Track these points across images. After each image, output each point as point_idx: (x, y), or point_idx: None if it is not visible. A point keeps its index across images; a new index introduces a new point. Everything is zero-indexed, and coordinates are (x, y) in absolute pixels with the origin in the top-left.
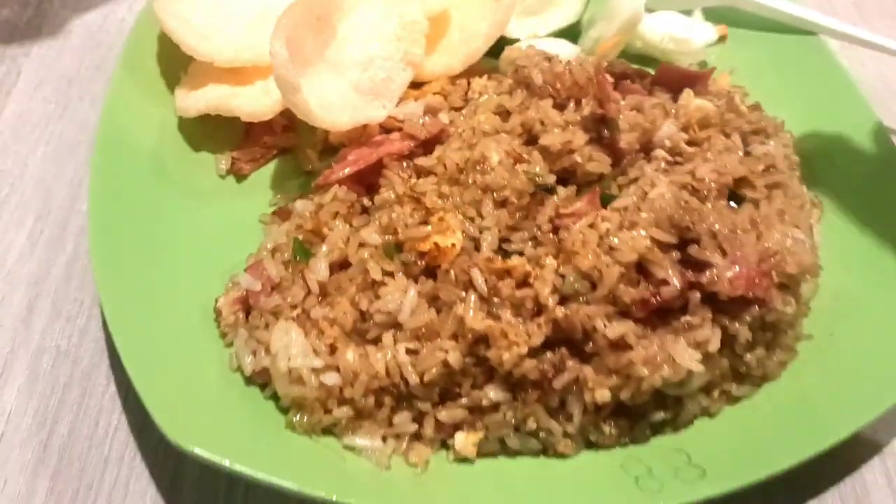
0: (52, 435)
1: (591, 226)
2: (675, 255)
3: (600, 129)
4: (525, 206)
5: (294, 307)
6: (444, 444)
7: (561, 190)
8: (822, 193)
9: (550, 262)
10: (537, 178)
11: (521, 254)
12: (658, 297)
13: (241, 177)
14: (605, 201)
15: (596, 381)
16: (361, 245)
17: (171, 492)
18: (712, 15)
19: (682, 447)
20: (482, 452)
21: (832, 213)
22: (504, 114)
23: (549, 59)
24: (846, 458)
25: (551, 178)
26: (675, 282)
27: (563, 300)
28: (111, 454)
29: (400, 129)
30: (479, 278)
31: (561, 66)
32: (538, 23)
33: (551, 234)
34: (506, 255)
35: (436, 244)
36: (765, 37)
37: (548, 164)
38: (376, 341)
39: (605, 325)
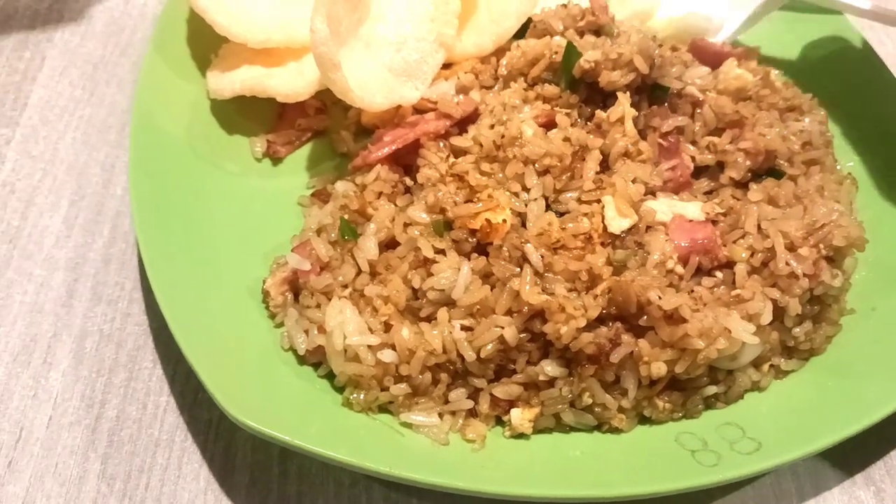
0: (100, 418)
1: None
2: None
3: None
4: (568, 166)
5: (345, 286)
6: (500, 421)
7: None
8: (854, 170)
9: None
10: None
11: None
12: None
13: (276, 159)
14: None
15: (651, 354)
16: (408, 224)
17: (223, 472)
18: None
19: (735, 421)
20: (537, 428)
21: (865, 188)
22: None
23: (563, 5)
24: (893, 430)
25: (583, 136)
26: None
27: (616, 273)
28: (161, 436)
29: (432, 110)
30: (533, 253)
31: (577, 9)
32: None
33: (596, 191)
34: (559, 215)
35: (487, 221)
36: (786, 16)
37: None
38: (430, 318)
39: (659, 297)
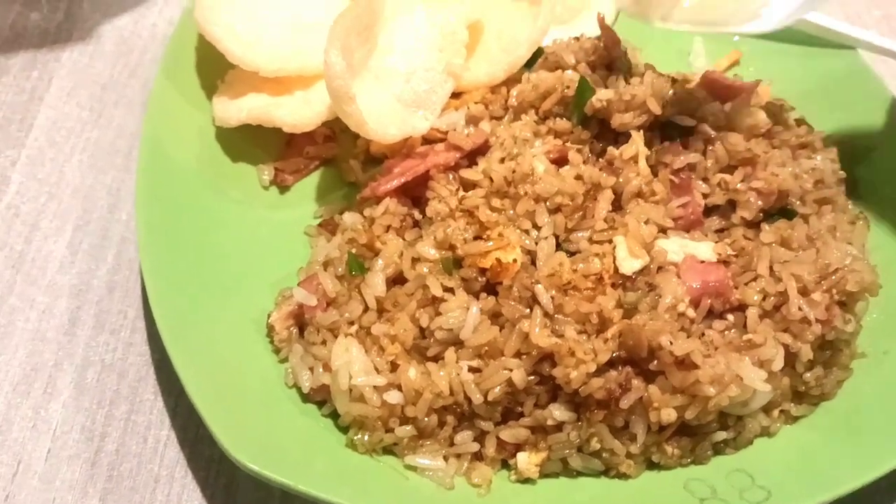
0: (99, 452)
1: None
2: None
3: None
4: (580, 205)
5: (352, 323)
6: (506, 464)
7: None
8: (865, 209)
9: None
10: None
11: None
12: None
13: (283, 187)
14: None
15: (661, 400)
16: (416, 259)
17: None
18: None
19: (744, 468)
20: (544, 472)
21: (876, 227)
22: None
23: (576, 38)
24: None
25: (596, 174)
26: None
27: (627, 315)
28: (161, 471)
29: (441, 140)
30: (543, 294)
31: (589, 42)
32: (568, 31)
33: (608, 231)
34: (569, 255)
35: (497, 260)
36: (798, 50)
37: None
38: (437, 358)
39: (671, 343)
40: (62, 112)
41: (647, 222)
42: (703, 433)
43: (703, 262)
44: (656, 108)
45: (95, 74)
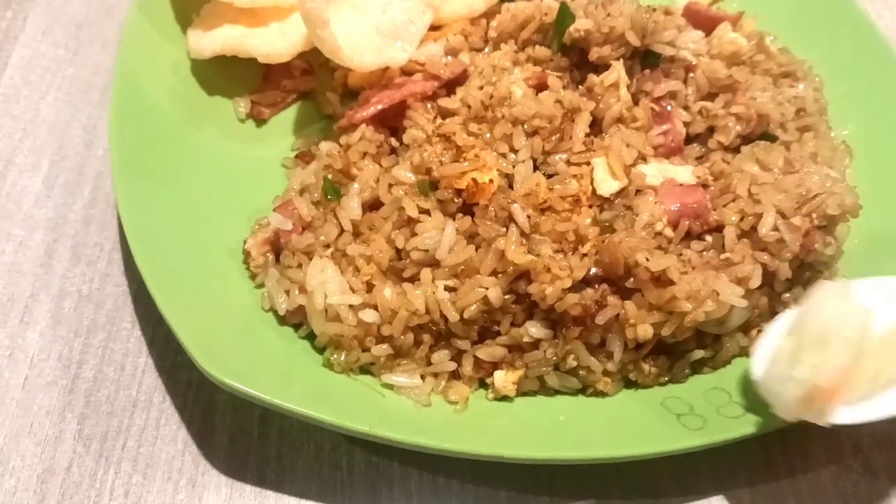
0: (77, 378)
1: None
2: None
3: None
4: (558, 127)
5: (327, 246)
6: (483, 383)
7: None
8: (847, 139)
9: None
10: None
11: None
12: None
13: (260, 121)
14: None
15: (638, 316)
16: (393, 184)
17: (202, 434)
18: None
19: (721, 386)
20: (521, 391)
21: (859, 156)
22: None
23: None
24: None
25: (576, 99)
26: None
27: (604, 234)
28: (139, 397)
29: (420, 72)
30: (520, 213)
31: None
32: None
33: (586, 153)
34: (547, 178)
35: (473, 180)
36: None
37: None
38: (413, 279)
39: (647, 259)
40: (37, 51)
41: (627, 146)
42: (681, 352)
43: (681, 184)
44: (635, 41)
45: (71, 13)
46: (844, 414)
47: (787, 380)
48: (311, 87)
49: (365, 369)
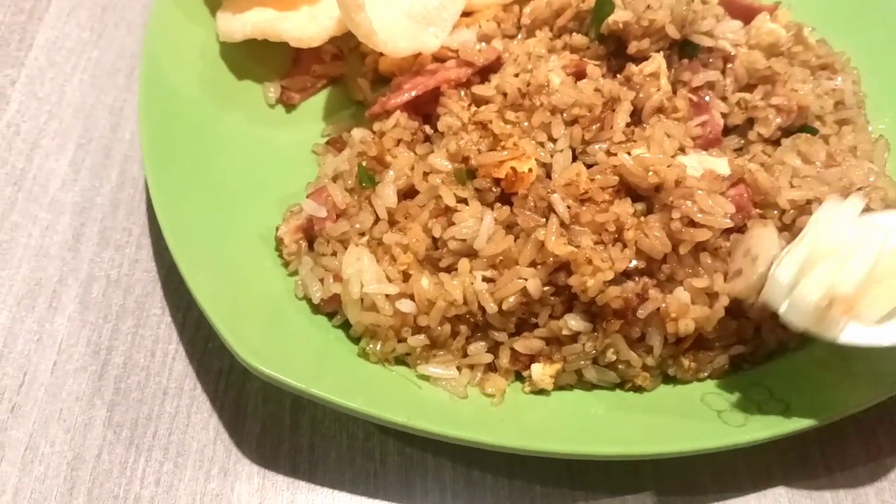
0: (106, 365)
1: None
2: None
3: None
4: (598, 116)
5: (362, 234)
6: (520, 376)
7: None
8: (885, 132)
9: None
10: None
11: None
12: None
13: (289, 106)
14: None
15: (679, 310)
16: (428, 172)
17: (234, 422)
18: None
19: (762, 382)
20: (558, 384)
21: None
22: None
23: None
24: None
25: (616, 88)
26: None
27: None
28: (170, 384)
29: (453, 58)
30: (560, 203)
31: None
32: None
33: (626, 143)
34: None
35: (513, 169)
36: None
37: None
38: (450, 269)
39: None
40: (62, 32)
41: (668, 137)
42: (721, 346)
43: (721, 176)
44: (675, 34)
45: None
46: (855, 333)
47: (805, 286)
48: (341, 72)
49: (400, 360)
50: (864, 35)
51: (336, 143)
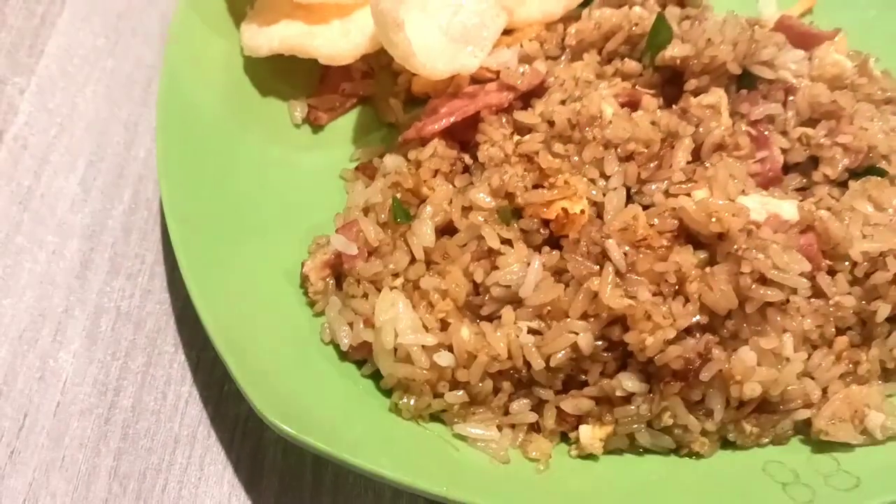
0: (113, 407)
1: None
2: None
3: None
4: (656, 153)
5: (396, 275)
6: (565, 438)
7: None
8: None
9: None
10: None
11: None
12: None
13: (317, 126)
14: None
15: (745, 372)
16: (468, 208)
17: (250, 476)
18: None
19: (827, 450)
20: (607, 448)
21: None
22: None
23: None
24: None
25: (674, 121)
26: None
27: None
28: (182, 431)
29: (491, 80)
30: (615, 250)
31: None
32: None
33: (687, 183)
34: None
35: (564, 210)
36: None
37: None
38: (492, 318)
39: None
40: (75, 39)
41: (732, 178)
42: (784, 410)
43: (787, 222)
44: (737, 70)
45: (111, 1)
46: None
47: None
48: (371, 91)
49: (435, 417)
50: None
51: (366, 170)
